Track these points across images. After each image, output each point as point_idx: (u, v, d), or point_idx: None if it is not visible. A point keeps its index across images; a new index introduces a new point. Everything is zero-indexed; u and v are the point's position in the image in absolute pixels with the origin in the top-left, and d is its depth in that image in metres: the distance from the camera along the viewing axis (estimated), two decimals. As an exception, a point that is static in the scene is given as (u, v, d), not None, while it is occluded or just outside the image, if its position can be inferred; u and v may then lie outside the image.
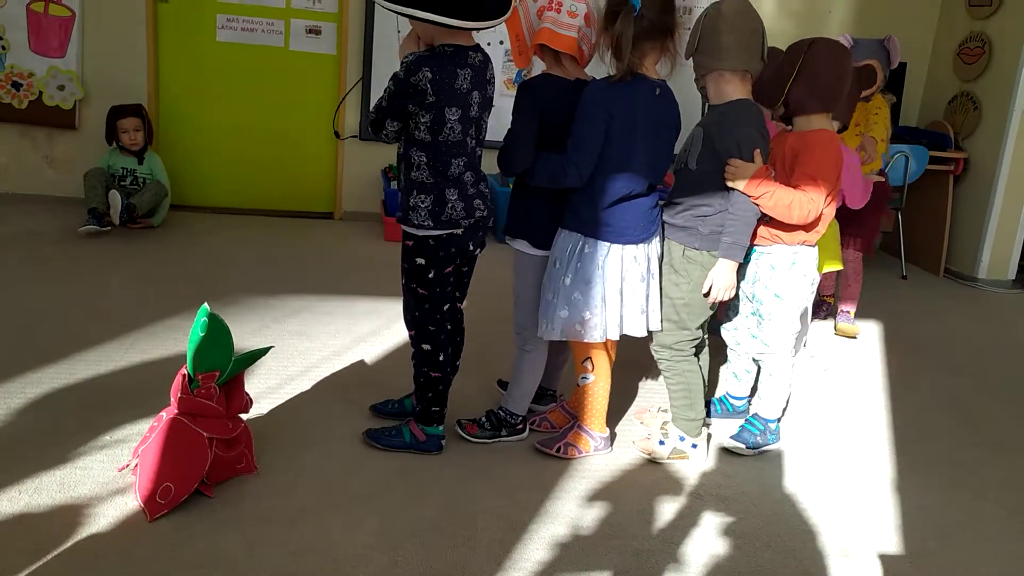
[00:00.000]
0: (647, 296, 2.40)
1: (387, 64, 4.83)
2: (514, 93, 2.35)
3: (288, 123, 5.01)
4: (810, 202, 2.32)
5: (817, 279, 2.56)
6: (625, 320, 2.38)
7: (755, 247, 2.50)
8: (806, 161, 2.37)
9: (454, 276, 2.35)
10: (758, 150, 2.29)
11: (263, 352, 2.20)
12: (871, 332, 3.97)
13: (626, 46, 2.20)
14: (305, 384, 2.80)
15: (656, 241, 2.41)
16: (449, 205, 2.23)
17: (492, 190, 2.42)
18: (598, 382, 2.45)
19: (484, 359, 2.99)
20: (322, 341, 3.18)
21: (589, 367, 2.44)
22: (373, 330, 3.31)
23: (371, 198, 5.01)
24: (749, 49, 2.31)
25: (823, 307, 4.01)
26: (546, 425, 2.63)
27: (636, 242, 2.35)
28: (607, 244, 2.31)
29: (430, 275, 2.29)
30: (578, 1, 2.31)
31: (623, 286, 2.35)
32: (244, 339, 3.10)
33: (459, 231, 2.26)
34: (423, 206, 2.23)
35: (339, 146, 4.98)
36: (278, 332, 3.21)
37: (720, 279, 2.35)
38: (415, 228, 2.25)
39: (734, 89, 2.35)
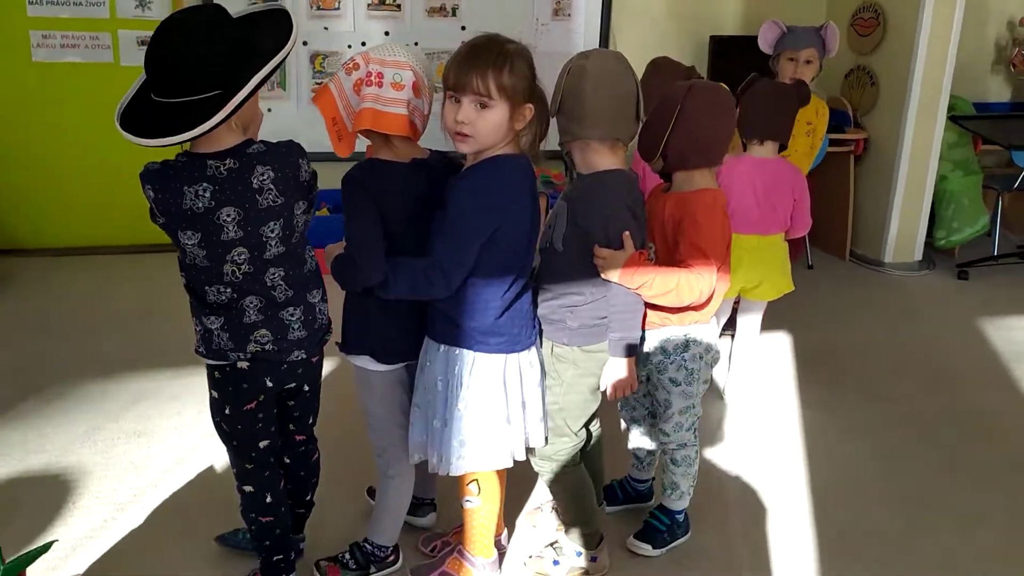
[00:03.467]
0: (543, 401, 2.04)
1: (235, 76, 4.29)
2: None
3: (129, 145, 4.42)
4: (699, 280, 1.97)
5: (718, 357, 2.24)
6: (529, 432, 2.02)
7: (643, 330, 2.16)
8: (691, 231, 2.02)
9: (265, 413, 1.93)
10: (627, 233, 1.93)
11: (41, 552, 1.75)
12: (780, 342, 3.72)
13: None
14: (136, 515, 2.36)
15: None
16: (214, 334, 1.83)
17: (308, 315, 1.93)
18: (485, 505, 2.08)
19: (348, 474, 2.60)
20: (163, 442, 2.72)
21: (475, 490, 2.06)
22: (227, 416, 2.87)
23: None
24: (620, 115, 1.94)
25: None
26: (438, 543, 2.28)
27: (530, 346, 1.98)
28: (503, 356, 1.93)
29: (227, 411, 1.90)
30: (402, 68, 1.88)
31: (524, 397, 1.98)
32: (70, 450, 2.64)
33: (244, 364, 1.84)
34: (197, 330, 1.87)
35: (191, 170, 4.43)
36: (111, 436, 2.75)
37: (614, 378, 2.00)
38: (198, 353, 1.90)
39: (602, 159, 1.98)
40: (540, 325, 2.03)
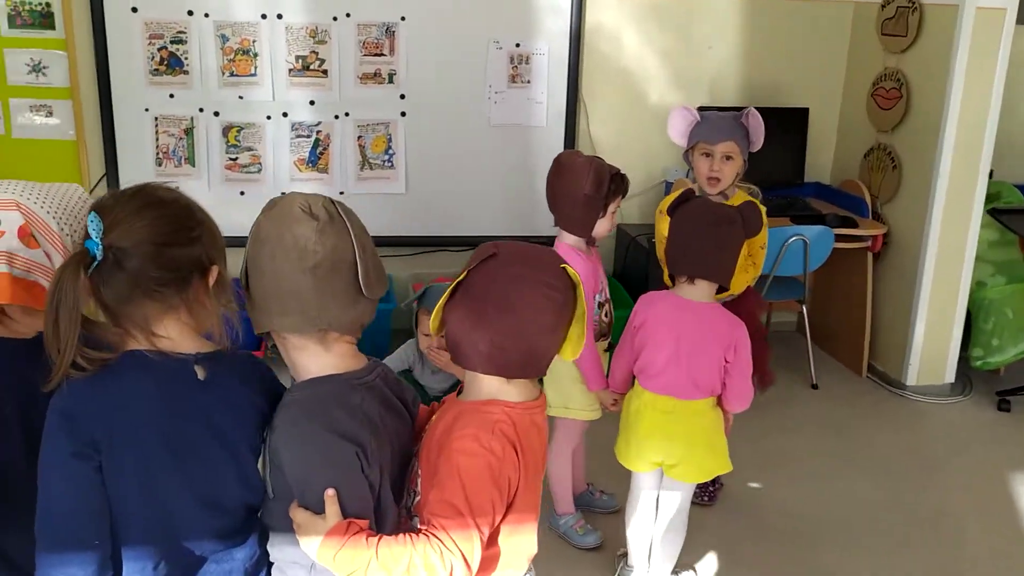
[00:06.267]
0: None
1: (135, 150, 3.76)
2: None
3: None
4: (445, 556, 1.24)
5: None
6: None
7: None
8: (444, 474, 1.29)
9: None
10: (331, 492, 1.22)
11: None
12: (748, 499, 2.93)
13: (125, 311, 1.21)
14: None
15: None
16: None
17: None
18: None
19: None
20: None
21: None
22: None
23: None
24: (323, 294, 1.26)
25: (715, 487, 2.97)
26: None
27: None
28: None
29: None
30: (4, 208, 1.30)
31: None
32: None
33: None
34: None
35: (88, 255, 3.90)
36: None
37: None
38: None
39: (309, 359, 1.31)
40: None
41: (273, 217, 1.27)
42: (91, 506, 1.17)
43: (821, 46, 4.16)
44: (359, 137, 3.89)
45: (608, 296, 2.57)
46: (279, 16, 3.70)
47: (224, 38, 3.70)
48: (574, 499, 2.76)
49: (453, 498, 1.26)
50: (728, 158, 2.65)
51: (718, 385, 2.16)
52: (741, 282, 2.80)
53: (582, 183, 2.36)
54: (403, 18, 3.77)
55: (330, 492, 1.21)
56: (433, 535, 1.24)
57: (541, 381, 1.46)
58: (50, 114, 3.81)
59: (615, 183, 2.38)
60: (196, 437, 1.22)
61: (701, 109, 2.78)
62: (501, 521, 1.32)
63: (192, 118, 3.77)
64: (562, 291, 1.33)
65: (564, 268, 1.35)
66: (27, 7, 3.67)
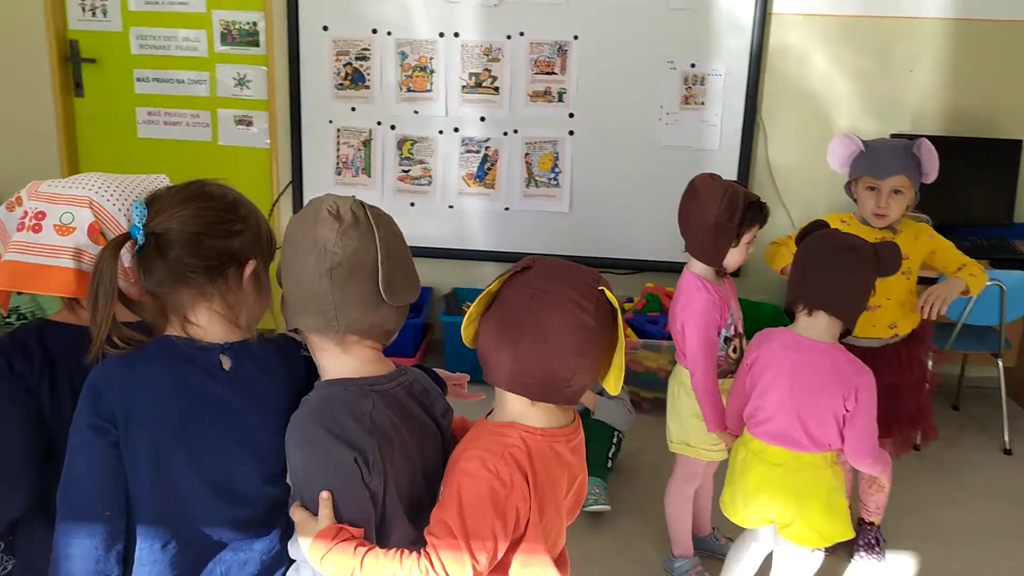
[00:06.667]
0: None
1: (318, 159, 4.00)
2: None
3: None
4: (431, 574, 1.20)
5: None
6: None
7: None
8: (445, 497, 1.26)
9: None
10: (325, 495, 1.21)
11: None
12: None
13: (163, 296, 1.30)
14: None
15: None
16: None
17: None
18: None
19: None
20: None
21: None
22: None
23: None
24: (342, 298, 1.26)
25: (873, 539, 2.71)
26: None
27: None
28: None
29: None
30: (76, 204, 1.37)
31: None
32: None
33: None
34: None
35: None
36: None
37: None
38: None
39: (330, 361, 1.31)
40: None
41: (301, 217, 1.29)
42: (103, 479, 1.23)
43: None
44: (526, 154, 3.91)
45: (739, 331, 2.39)
46: (456, 34, 3.81)
47: (403, 55, 3.86)
48: (696, 543, 2.60)
49: (449, 518, 1.23)
50: (897, 192, 2.41)
51: (836, 437, 1.94)
52: (907, 323, 2.54)
53: (713, 209, 2.22)
54: (576, 37, 3.76)
55: (324, 495, 1.21)
56: (425, 553, 1.21)
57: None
58: (250, 124, 4.14)
59: (751, 212, 2.22)
60: (210, 426, 1.26)
61: (896, 136, 2.55)
62: (512, 552, 1.26)
63: (370, 130, 3.96)
64: (593, 314, 1.25)
65: (602, 290, 1.26)
66: (237, 26, 4.02)
